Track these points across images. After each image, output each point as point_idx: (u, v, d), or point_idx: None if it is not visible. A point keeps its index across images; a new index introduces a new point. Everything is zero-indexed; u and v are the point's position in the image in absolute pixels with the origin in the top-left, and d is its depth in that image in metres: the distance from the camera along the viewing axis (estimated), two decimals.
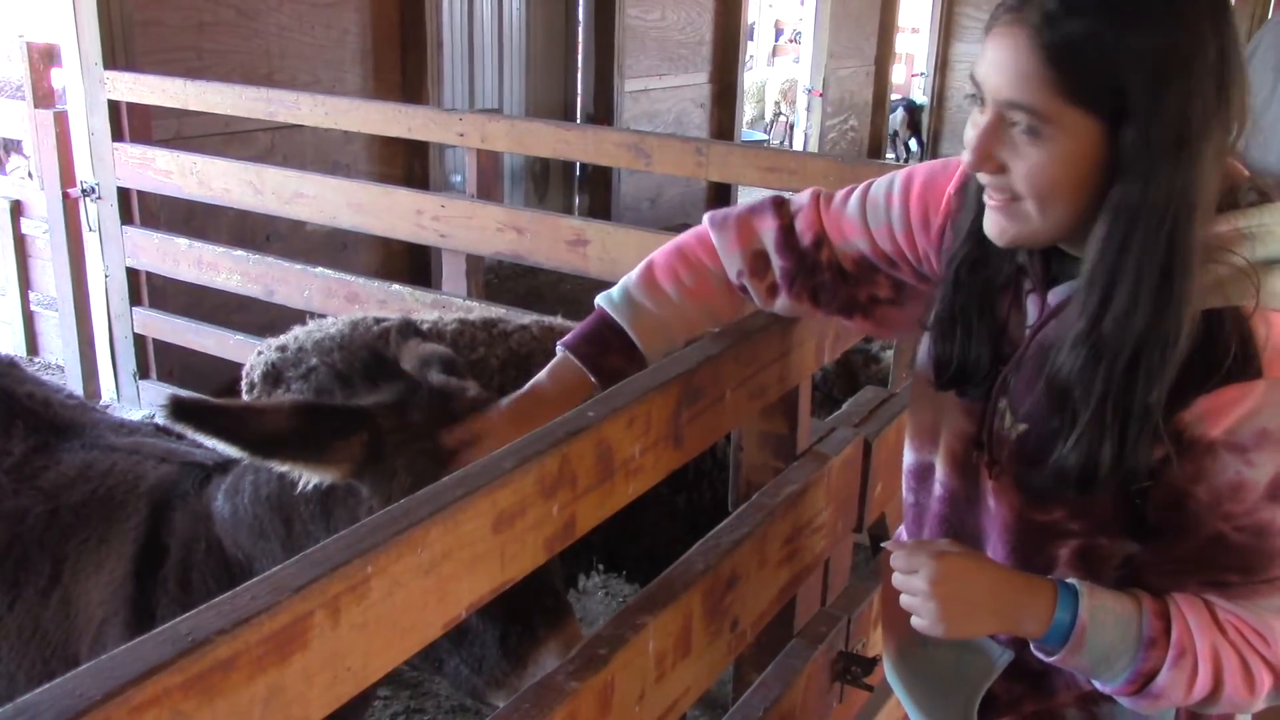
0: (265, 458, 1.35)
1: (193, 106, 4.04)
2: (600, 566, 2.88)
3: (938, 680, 1.43)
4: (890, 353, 2.68)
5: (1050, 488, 1.20)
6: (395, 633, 0.98)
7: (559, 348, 1.52)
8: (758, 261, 1.49)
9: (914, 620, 1.22)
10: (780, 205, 1.51)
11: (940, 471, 1.38)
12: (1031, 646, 1.23)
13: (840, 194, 1.49)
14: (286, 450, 1.34)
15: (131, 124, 4.17)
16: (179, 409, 1.28)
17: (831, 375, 2.73)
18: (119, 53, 4.07)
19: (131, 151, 4.15)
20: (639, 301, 1.51)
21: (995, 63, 1.09)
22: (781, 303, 1.52)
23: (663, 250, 1.55)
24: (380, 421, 1.42)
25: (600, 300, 1.53)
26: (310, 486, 1.41)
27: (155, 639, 0.79)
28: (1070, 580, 1.19)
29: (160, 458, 1.83)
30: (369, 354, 1.55)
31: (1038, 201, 1.11)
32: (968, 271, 1.26)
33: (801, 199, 1.52)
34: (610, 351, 1.50)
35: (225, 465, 1.72)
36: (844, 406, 2.13)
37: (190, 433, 1.32)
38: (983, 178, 1.15)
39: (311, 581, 0.88)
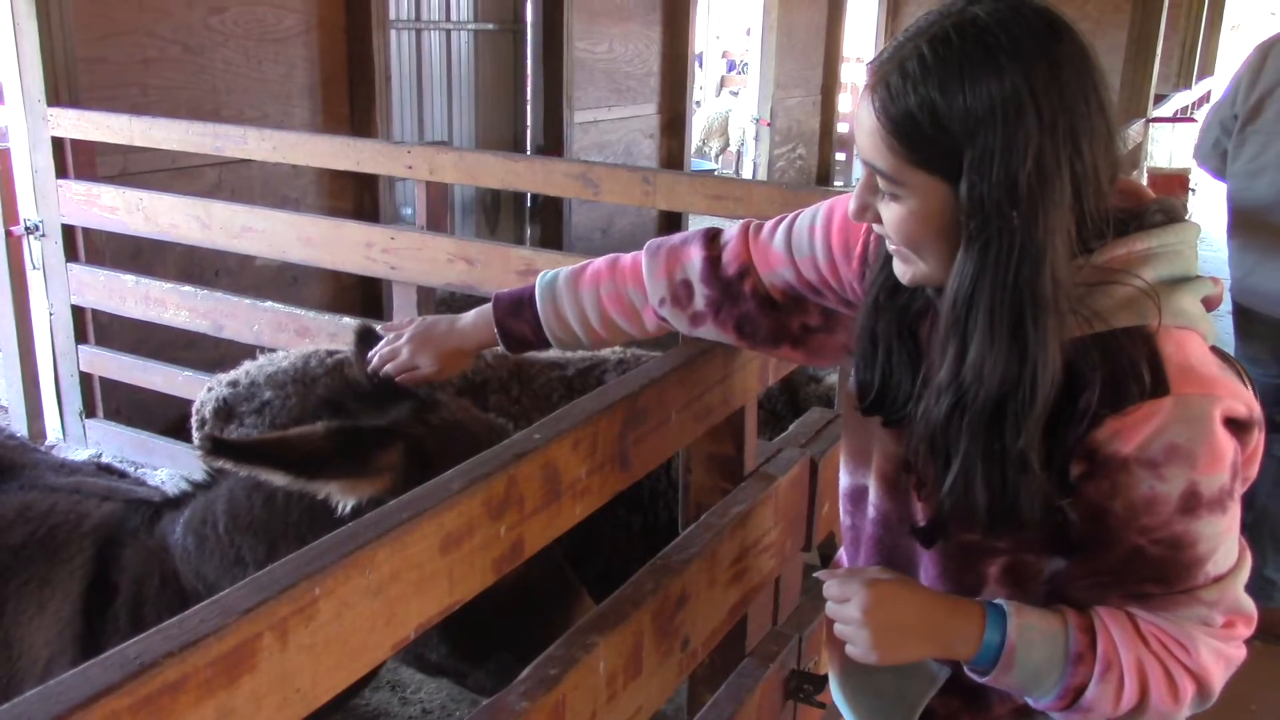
0: (310, 480, 1.37)
1: (138, 142, 4.02)
2: None
3: (879, 700, 1.46)
4: (833, 374, 2.73)
5: (942, 529, 1.25)
6: (344, 654, 0.99)
7: (493, 295, 1.68)
8: (682, 290, 1.57)
9: (847, 648, 1.26)
10: (712, 237, 1.59)
11: (873, 494, 1.40)
12: (965, 668, 1.26)
13: (769, 225, 1.55)
14: (330, 470, 1.38)
15: (76, 161, 4.14)
16: (218, 446, 1.32)
17: (775, 394, 2.78)
18: (63, 89, 4.04)
19: (76, 188, 4.12)
20: (559, 291, 1.63)
21: (857, 125, 1.16)
22: (707, 330, 1.59)
23: (604, 258, 1.65)
24: (413, 430, 1.50)
25: (539, 275, 1.66)
26: (348, 508, 1.41)
27: (103, 663, 0.80)
28: (998, 601, 1.22)
29: (103, 496, 1.82)
30: (370, 377, 1.64)
31: (910, 249, 1.18)
32: (886, 297, 1.30)
33: (732, 231, 1.58)
34: (520, 320, 1.65)
35: (177, 500, 1.72)
36: (791, 427, 2.16)
37: (232, 467, 1.35)
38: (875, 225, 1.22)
39: (259, 604, 0.89)
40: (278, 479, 1.37)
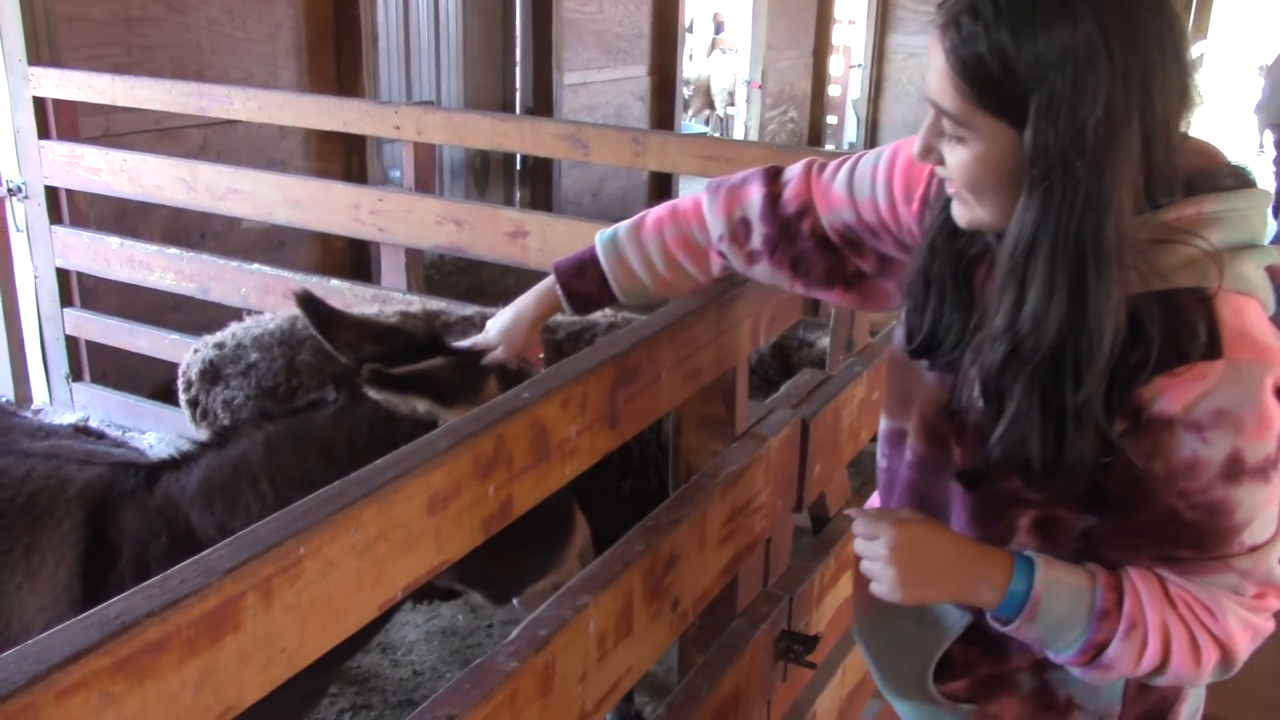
0: (446, 407, 1.53)
1: (121, 103, 3.97)
2: None
3: (899, 645, 1.47)
4: (825, 338, 2.71)
5: (987, 474, 1.23)
6: (330, 614, 0.98)
7: (551, 267, 1.69)
8: (740, 228, 1.56)
9: (872, 586, 1.25)
10: (774, 176, 1.58)
11: (912, 438, 1.40)
12: (988, 617, 1.25)
13: (832, 166, 1.55)
14: (458, 398, 1.54)
15: (58, 121, 4.08)
16: (380, 377, 1.48)
17: (767, 359, 2.76)
18: (43, 48, 3.98)
19: (59, 149, 4.07)
20: (622, 244, 1.63)
21: (928, 66, 1.15)
22: (761, 269, 1.57)
23: (662, 205, 1.65)
24: (494, 367, 1.68)
25: (596, 235, 1.66)
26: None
27: (82, 623, 0.79)
28: (1027, 552, 1.22)
29: (82, 460, 1.79)
30: (406, 338, 1.76)
31: (971, 194, 1.16)
32: (943, 241, 1.30)
33: (794, 169, 1.58)
34: (585, 280, 1.66)
35: (176, 461, 1.72)
36: (782, 388, 2.15)
37: (390, 397, 1.50)
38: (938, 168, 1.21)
39: (243, 563, 0.88)
40: (422, 407, 1.52)
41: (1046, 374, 1.11)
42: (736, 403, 1.84)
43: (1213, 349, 1.08)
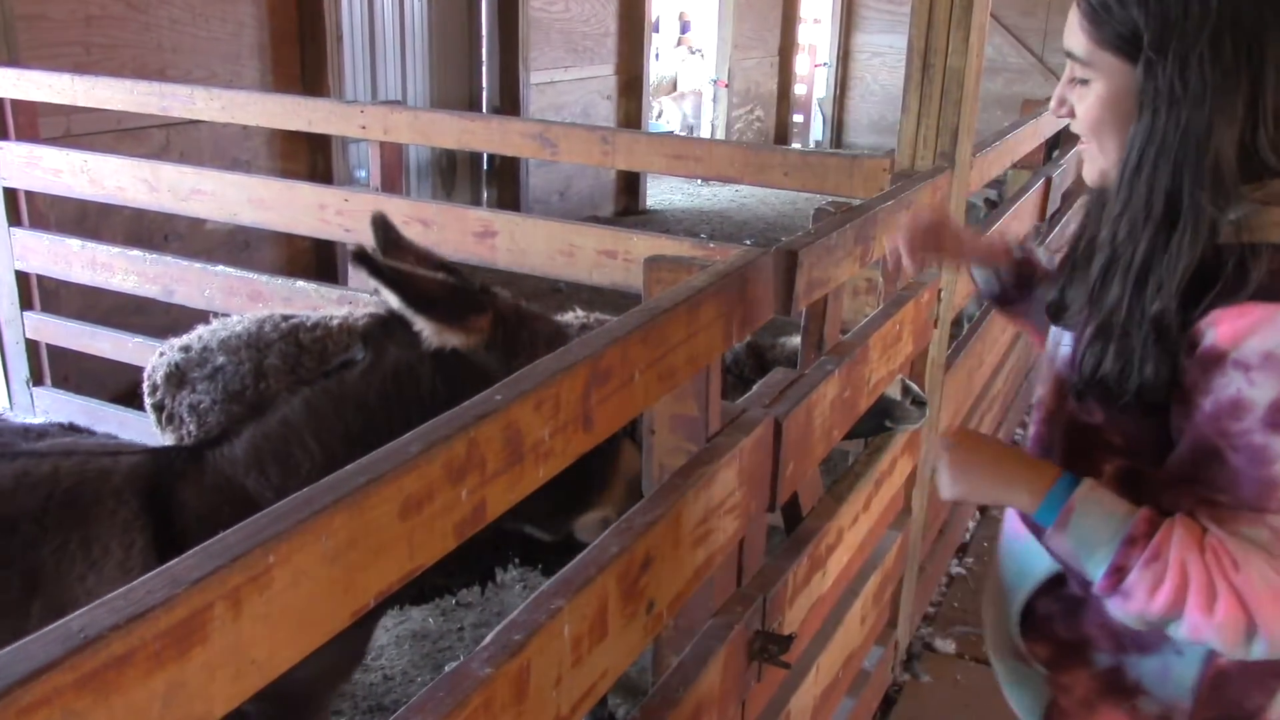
0: (417, 311, 1.62)
1: (81, 102, 3.90)
2: (516, 560, 2.86)
3: (996, 594, 1.62)
4: (797, 338, 2.72)
5: (1081, 387, 1.32)
6: (301, 623, 0.96)
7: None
8: None
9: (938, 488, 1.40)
10: None
11: (1045, 393, 1.52)
12: (1021, 521, 1.38)
13: None
14: (433, 310, 1.63)
15: (17, 122, 4.01)
16: (362, 257, 1.57)
17: (743, 358, 2.76)
18: (0, 47, 3.91)
19: (17, 150, 4.00)
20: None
21: (1068, 25, 1.28)
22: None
23: None
24: (501, 305, 1.76)
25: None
26: (434, 346, 1.67)
27: (44, 638, 0.77)
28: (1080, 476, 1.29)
29: (109, 452, 1.80)
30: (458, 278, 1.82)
31: (1093, 138, 1.29)
32: (1094, 222, 1.40)
33: None
34: (1019, 268, 1.78)
35: (216, 439, 1.74)
36: (754, 388, 2.14)
37: (374, 283, 1.59)
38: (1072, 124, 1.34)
39: (211, 573, 0.86)
40: (394, 301, 1.61)
41: (1135, 286, 1.21)
42: (710, 403, 1.83)
43: (1275, 293, 1.14)
